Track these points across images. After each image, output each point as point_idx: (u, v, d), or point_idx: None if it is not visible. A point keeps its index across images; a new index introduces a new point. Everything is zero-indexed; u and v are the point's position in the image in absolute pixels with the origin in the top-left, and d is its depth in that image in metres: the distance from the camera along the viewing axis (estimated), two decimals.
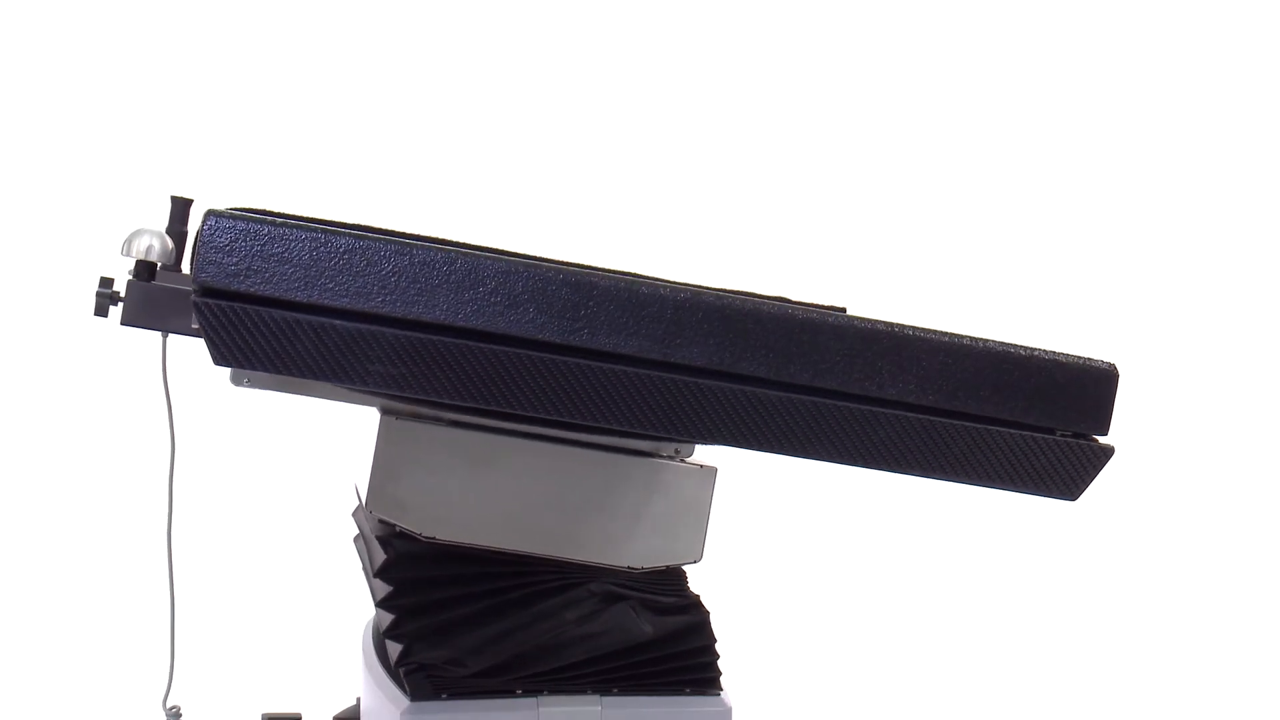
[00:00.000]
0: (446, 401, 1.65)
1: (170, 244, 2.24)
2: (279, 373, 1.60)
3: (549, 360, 1.62)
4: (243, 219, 1.60)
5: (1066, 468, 1.66)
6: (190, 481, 2.27)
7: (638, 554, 2.15)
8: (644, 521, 2.13)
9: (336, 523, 3.35)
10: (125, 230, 2.28)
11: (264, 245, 1.60)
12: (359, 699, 2.54)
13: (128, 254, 2.22)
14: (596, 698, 2.10)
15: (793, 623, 3.88)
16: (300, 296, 1.60)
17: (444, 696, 2.11)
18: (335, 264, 1.60)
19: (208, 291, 1.60)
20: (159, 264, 2.23)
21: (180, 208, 2.52)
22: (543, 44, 4.61)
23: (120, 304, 2.20)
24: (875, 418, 1.64)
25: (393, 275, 1.61)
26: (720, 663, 2.23)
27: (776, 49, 4.69)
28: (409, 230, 2.73)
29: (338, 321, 1.60)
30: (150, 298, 2.19)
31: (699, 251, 4.30)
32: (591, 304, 1.62)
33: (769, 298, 2.04)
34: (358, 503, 2.46)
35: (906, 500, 4.08)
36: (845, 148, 4.61)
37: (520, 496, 2.12)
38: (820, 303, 2.04)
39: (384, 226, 2.36)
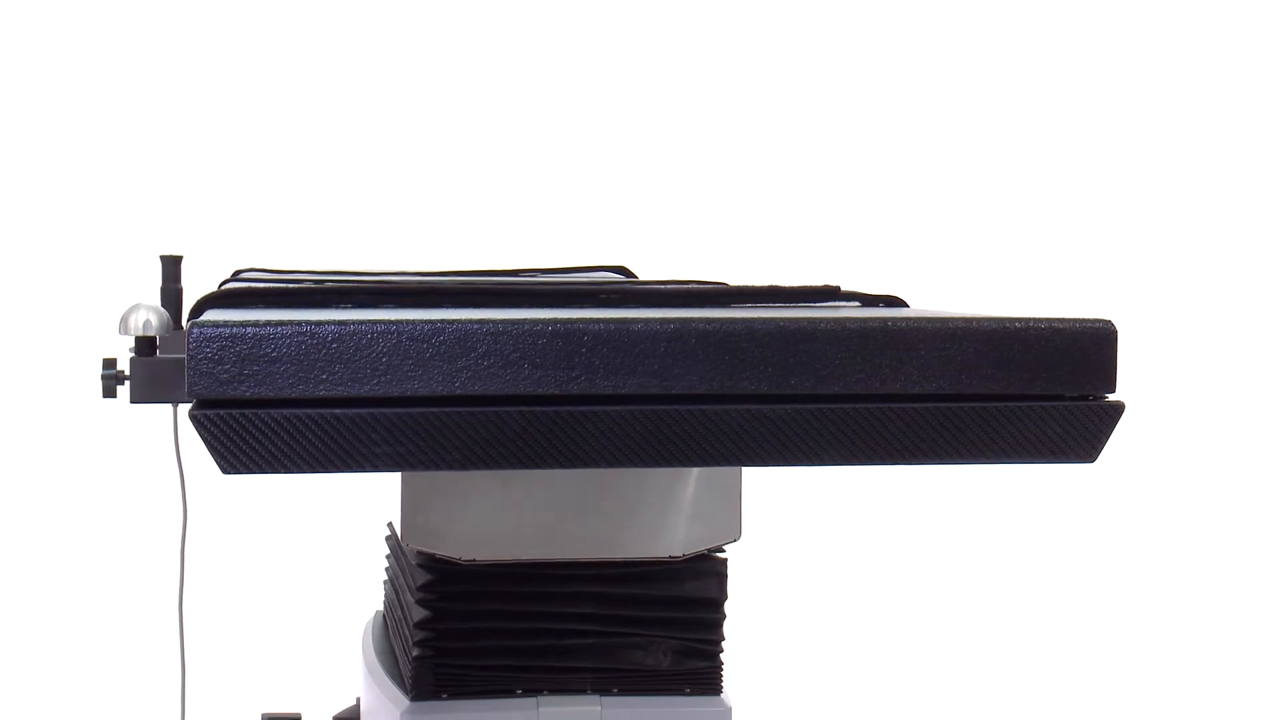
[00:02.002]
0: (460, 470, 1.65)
1: (166, 315, 2.25)
2: (289, 472, 1.61)
3: (552, 413, 1.62)
4: (226, 325, 1.59)
5: (1081, 431, 1.67)
6: (193, 485, 2.28)
7: (677, 542, 2.17)
8: (678, 508, 2.14)
9: (336, 524, 3.37)
10: (119, 306, 2.28)
11: (252, 348, 1.59)
12: (359, 699, 2.56)
13: (125, 332, 2.23)
14: (596, 698, 2.13)
15: (792, 623, 3.89)
16: (296, 392, 1.60)
17: (444, 696, 2.13)
18: (326, 355, 1.60)
19: (205, 403, 1.60)
20: (158, 337, 2.24)
21: (170, 266, 2.52)
22: (519, 33, 4.56)
23: (127, 383, 2.20)
24: (883, 415, 1.64)
25: (384, 356, 1.61)
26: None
27: (752, 26, 4.63)
28: (399, 266, 2.72)
29: (338, 411, 1.60)
30: (155, 372, 2.20)
31: (692, 239, 4.29)
32: (584, 351, 1.62)
33: (760, 289, 2.04)
34: (390, 527, 2.47)
35: (906, 498, 4.08)
36: (822, 126, 4.57)
37: (552, 505, 2.13)
38: (812, 285, 2.04)
39: (371, 270, 2.35)
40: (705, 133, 4.56)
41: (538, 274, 3.09)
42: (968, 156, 4.54)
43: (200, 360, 1.58)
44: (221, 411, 1.58)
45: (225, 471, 1.60)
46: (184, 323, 2.49)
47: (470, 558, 2.15)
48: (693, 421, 1.62)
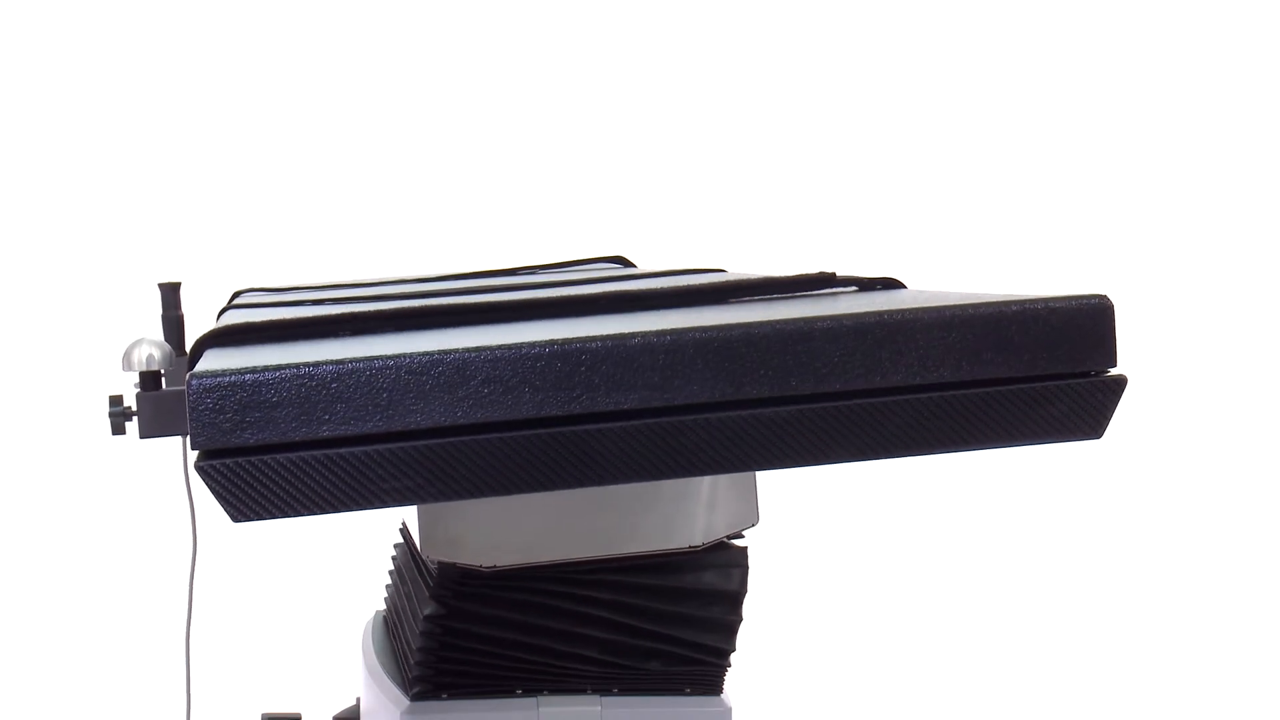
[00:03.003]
0: (471, 498, 1.65)
1: (168, 347, 2.25)
2: (298, 515, 1.61)
3: (556, 434, 1.62)
4: (224, 374, 1.59)
5: (1085, 408, 1.66)
6: (199, 493, 2.29)
7: (697, 531, 2.18)
8: (695, 496, 2.15)
9: (336, 524, 3.37)
10: (121, 338, 2.27)
11: (251, 394, 1.59)
12: (359, 699, 2.58)
13: (129, 368, 2.23)
14: (596, 698, 2.14)
15: (793, 621, 3.89)
16: (299, 435, 1.60)
17: (444, 696, 2.15)
18: (326, 395, 1.60)
19: (209, 453, 1.60)
20: (162, 370, 2.24)
21: (170, 293, 2.52)
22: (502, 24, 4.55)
23: (135, 419, 2.20)
24: (887, 408, 1.64)
25: (384, 391, 1.60)
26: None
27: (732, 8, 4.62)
28: (399, 267, 2.71)
29: (343, 450, 1.60)
30: (162, 406, 2.20)
31: (686, 219, 4.28)
32: (584, 370, 1.61)
33: (755, 281, 2.03)
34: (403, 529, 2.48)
35: (911, 492, 4.07)
36: (804, 105, 4.56)
37: (570, 504, 2.14)
38: (808, 273, 2.03)
39: (369, 280, 2.34)
40: (691, 113, 4.54)
41: (538, 270, 3.09)
42: (945, 132, 4.54)
43: (201, 412, 1.58)
44: (227, 460, 1.58)
45: (235, 520, 1.60)
46: (187, 349, 2.49)
47: (491, 564, 2.16)
48: (697, 431, 1.62)
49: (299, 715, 2.78)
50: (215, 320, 2.65)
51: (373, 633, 2.58)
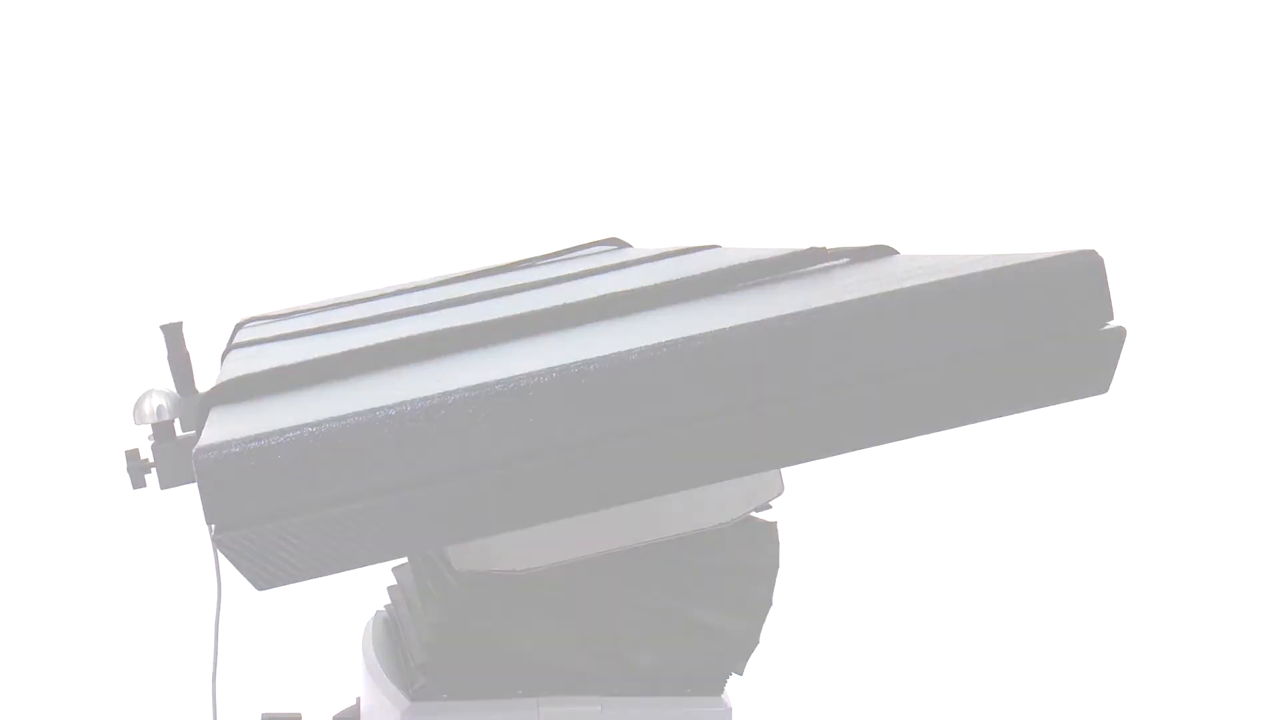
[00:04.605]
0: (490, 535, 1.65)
1: (176, 395, 2.24)
2: (323, 575, 1.61)
3: (571, 460, 1.62)
4: (229, 445, 1.59)
5: (1088, 364, 1.66)
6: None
7: (725, 508, 2.18)
8: None
9: None
10: (129, 390, 2.27)
11: (257, 463, 1.59)
12: (359, 699, 2.59)
13: (140, 421, 2.23)
14: (597, 698, 2.14)
15: (792, 622, 3.88)
16: (312, 497, 1.60)
17: (444, 696, 2.15)
18: (333, 454, 1.60)
19: (224, 526, 1.60)
20: (174, 418, 2.24)
21: (173, 334, 2.51)
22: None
23: (154, 470, 2.20)
24: (890, 392, 1.63)
25: (390, 442, 1.60)
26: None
27: None
28: (398, 265, 2.70)
29: (358, 505, 1.60)
30: (180, 454, 2.20)
31: (675, 194, 4.26)
32: (585, 393, 1.61)
33: (746, 265, 2.03)
34: None
35: (906, 496, 4.05)
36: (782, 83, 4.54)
37: None
38: (798, 250, 2.03)
39: (369, 293, 2.33)
40: (676, 83, 4.53)
41: (535, 263, 3.08)
42: (914, 97, 4.52)
43: (210, 487, 1.58)
44: (244, 531, 1.58)
45: (260, 588, 1.60)
46: (196, 387, 2.49)
47: (525, 567, 2.16)
48: (703, 439, 1.62)
49: (299, 715, 2.79)
50: (220, 360, 2.64)
51: (373, 633, 2.58)
